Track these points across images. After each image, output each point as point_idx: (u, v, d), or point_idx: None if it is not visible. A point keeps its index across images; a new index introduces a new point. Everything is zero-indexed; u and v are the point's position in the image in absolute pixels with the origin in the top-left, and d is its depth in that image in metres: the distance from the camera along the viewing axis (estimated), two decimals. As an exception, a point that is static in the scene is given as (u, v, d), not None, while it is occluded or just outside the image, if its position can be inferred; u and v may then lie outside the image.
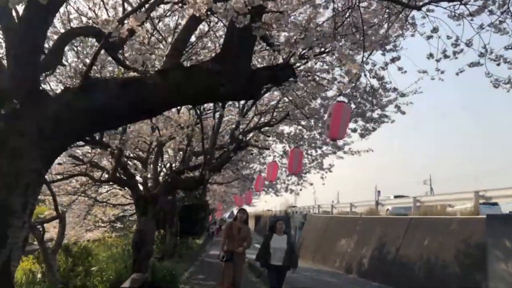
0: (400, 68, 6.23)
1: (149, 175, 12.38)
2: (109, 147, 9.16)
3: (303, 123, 11.68)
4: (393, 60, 6.09)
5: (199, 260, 19.08)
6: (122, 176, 10.16)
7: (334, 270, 19.56)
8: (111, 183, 11.69)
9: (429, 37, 5.25)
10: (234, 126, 10.66)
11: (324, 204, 30.28)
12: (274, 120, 10.82)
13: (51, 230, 19.74)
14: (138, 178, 13.28)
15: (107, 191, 17.73)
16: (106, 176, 10.06)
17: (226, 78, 3.29)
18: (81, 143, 10.04)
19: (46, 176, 10.44)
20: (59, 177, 10.22)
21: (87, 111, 3.12)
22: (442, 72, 5.57)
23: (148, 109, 3.35)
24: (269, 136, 12.38)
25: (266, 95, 12.35)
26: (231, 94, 3.40)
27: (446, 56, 5.32)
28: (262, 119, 11.48)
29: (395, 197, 21.31)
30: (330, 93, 8.19)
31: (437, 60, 5.39)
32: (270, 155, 15.42)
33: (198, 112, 9.17)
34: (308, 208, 34.66)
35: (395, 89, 7.31)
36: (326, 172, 13.55)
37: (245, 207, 43.92)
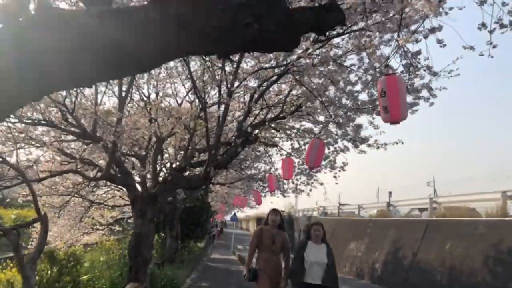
0: (440, 41, 5.15)
1: (148, 175, 11.33)
2: (101, 140, 8.08)
3: (320, 118, 10.65)
4: (433, 30, 5.00)
5: (201, 264, 17.96)
6: (117, 173, 9.08)
7: (344, 275, 18.41)
8: (105, 181, 10.58)
9: (482, 2, 4.19)
10: (241, 118, 9.59)
11: (329, 206, 29.15)
12: (284, 113, 9.75)
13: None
14: (136, 178, 12.23)
15: (105, 191, 16.66)
16: (99, 174, 8.97)
17: (254, 14, 2.21)
18: (71, 137, 8.97)
19: (30, 173, 9.42)
20: (46, 175, 9.13)
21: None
22: (495, 47, 4.52)
23: (133, 58, 2.22)
24: (278, 131, 11.29)
25: (273, 88, 11.34)
26: (259, 39, 2.28)
27: (502, 26, 4.26)
28: (270, 114, 10.43)
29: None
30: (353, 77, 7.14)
31: (490, 31, 4.32)
32: (277, 153, 14.40)
33: (202, 100, 8.09)
34: (310, 210, 33.52)
35: (428, 68, 6.20)
36: (340, 171, 12.48)
37: (246, 209, 42.74)
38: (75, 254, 9.04)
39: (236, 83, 8.47)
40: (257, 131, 9.62)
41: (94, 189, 16.26)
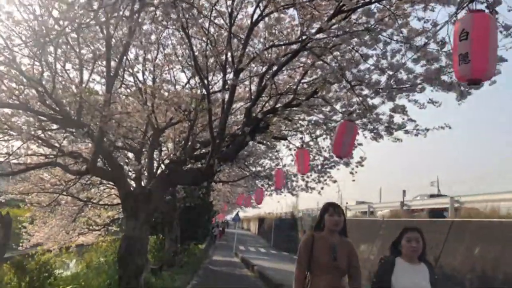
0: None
1: (144, 171, 10.04)
2: (85, 126, 6.76)
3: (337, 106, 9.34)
4: None
5: (202, 268, 16.63)
6: (106, 166, 7.77)
7: (355, 280, 17.12)
8: (90, 175, 9.28)
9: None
10: (248, 105, 8.23)
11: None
12: (297, 100, 8.43)
13: (35, 234, 17.43)
14: (130, 173, 10.92)
15: (102, 190, 15.33)
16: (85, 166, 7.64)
17: None
18: (52, 126, 7.65)
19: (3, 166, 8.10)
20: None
21: None
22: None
23: None
24: (290, 120, 9.96)
25: (283, 76, 10.03)
26: None
27: None
28: (280, 104, 9.12)
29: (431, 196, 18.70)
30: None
31: None
32: (286, 146, 13.09)
33: (204, 77, 6.77)
34: (315, 210, 32.21)
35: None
36: (357, 166, 11.16)
37: (248, 208, 41.48)
38: (46, 264, 7.57)
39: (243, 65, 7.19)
40: (269, 116, 8.31)
41: (89, 187, 15.00)
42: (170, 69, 10.10)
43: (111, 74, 6.84)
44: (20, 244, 17.65)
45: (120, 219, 19.03)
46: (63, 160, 8.04)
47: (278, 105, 8.75)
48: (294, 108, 9.16)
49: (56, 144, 8.09)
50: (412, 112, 6.03)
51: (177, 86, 10.29)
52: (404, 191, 18.22)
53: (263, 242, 41.56)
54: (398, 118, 6.60)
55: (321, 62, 8.30)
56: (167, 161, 12.13)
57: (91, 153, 7.14)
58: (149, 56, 9.92)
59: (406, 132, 6.57)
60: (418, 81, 5.97)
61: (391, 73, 6.06)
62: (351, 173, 11.29)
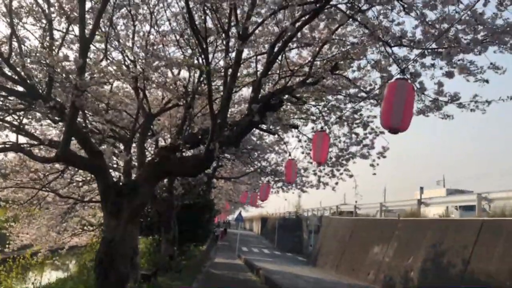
0: None
1: (135, 164, 8.64)
2: (52, 100, 5.34)
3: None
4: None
5: (203, 272, 15.17)
6: (82, 153, 6.35)
7: (368, 285, 15.66)
8: (62, 163, 7.88)
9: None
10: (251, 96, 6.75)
11: (344, 205, 26.37)
12: (312, 78, 6.99)
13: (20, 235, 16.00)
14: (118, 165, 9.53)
15: (95, 187, 13.89)
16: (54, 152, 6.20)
17: None
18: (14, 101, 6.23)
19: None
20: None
21: None
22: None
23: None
24: (304, 103, 8.52)
25: (294, 55, 8.61)
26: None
27: None
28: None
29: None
30: None
31: None
32: (297, 135, 11.66)
33: (202, 37, 5.34)
34: (320, 210, 30.77)
35: None
36: (379, 158, 9.72)
37: (251, 209, 39.98)
38: None
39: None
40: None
41: (79, 184, 13.59)
42: (165, 45, 8.66)
43: (86, 36, 5.42)
44: (7, 246, 16.29)
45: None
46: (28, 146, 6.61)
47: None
48: (310, 88, 7.75)
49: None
50: (451, 87, 4.58)
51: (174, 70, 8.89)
52: (421, 188, 16.75)
53: (266, 243, 40.09)
54: (449, 88, 5.12)
55: (341, 34, 6.98)
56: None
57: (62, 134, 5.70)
58: (141, 32, 8.50)
59: (461, 105, 5.10)
60: (480, 36, 4.55)
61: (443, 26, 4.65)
62: (372, 165, 9.87)
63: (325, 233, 25.08)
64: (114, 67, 6.50)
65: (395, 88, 3.81)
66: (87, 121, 7.43)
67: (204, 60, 5.32)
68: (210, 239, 29.86)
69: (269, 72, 7.44)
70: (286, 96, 7.92)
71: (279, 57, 7.42)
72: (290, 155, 9.52)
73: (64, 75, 5.91)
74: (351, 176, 11.39)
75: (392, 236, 16.05)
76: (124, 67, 7.43)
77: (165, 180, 12.32)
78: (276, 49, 6.17)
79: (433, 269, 12.51)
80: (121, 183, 6.19)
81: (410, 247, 14.38)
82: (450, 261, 11.88)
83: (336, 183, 11.74)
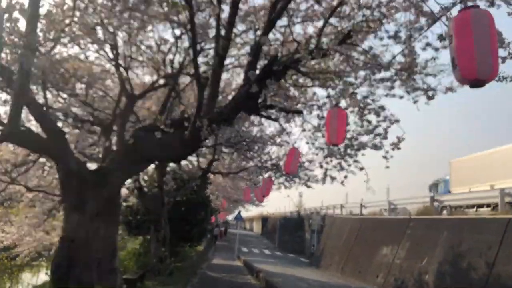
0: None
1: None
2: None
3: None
4: None
5: (198, 274, 13.97)
6: (36, 130, 5.14)
7: (377, 288, 14.47)
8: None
9: None
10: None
11: (346, 204, 25.15)
12: (321, 49, 5.77)
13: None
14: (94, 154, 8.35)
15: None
16: None
17: None
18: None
19: None
20: None
21: None
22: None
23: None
24: (311, 79, 7.31)
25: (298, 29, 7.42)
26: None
27: None
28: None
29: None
30: None
31: None
32: (300, 125, 10.49)
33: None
34: (324, 208, 29.55)
35: None
36: (393, 149, 8.52)
37: (251, 208, 38.71)
38: None
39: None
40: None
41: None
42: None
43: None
44: (-11, 246, 15.08)
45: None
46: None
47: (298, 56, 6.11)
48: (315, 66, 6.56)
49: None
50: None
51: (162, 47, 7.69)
52: (435, 185, 15.52)
53: (267, 243, 38.87)
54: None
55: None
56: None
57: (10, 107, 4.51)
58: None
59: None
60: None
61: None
62: (385, 157, 8.66)
63: (329, 233, 23.86)
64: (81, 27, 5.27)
65: (469, 20, 2.60)
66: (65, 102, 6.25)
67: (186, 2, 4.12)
68: (208, 239, 28.67)
69: (271, 41, 6.28)
70: (291, 73, 6.80)
71: (283, 29, 6.31)
72: (294, 143, 8.20)
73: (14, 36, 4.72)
74: (361, 168, 10.16)
75: (403, 236, 14.83)
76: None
77: (154, 174, 11.13)
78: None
79: (452, 272, 11.29)
80: (85, 169, 4.98)
81: (424, 247, 13.16)
82: (472, 264, 10.66)
83: (345, 177, 10.53)
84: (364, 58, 6.78)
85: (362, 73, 7.44)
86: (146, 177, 13.63)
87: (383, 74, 6.75)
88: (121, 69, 7.48)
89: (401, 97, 6.97)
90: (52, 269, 4.68)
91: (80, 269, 4.61)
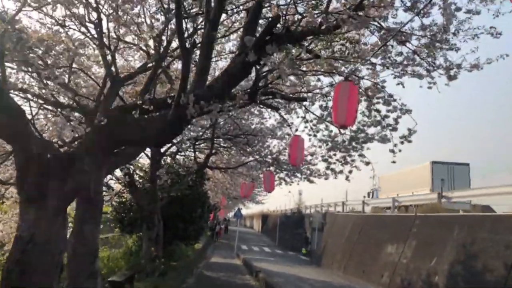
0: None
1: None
2: None
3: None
4: None
5: (194, 274, 13.06)
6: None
7: (382, 289, 13.58)
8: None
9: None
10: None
11: (348, 201, 24.25)
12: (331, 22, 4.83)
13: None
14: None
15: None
16: None
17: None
18: None
19: None
20: None
21: None
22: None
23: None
24: (318, 57, 6.37)
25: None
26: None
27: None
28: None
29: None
30: None
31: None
32: (298, 117, 9.59)
33: None
34: (325, 206, 28.62)
35: None
36: (402, 143, 7.62)
37: (252, 205, 37.77)
38: None
39: None
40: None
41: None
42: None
43: None
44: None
45: (107, 213, 15.56)
46: None
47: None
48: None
49: None
50: None
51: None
52: (442, 180, 14.62)
53: (267, 241, 37.96)
54: None
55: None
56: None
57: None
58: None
59: None
60: None
61: None
62: (392, 151, 7.73)
63: (330, 231, 22.95)
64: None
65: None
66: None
67: None
68: (208, 237, 27.78)
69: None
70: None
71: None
72: (297, 130, 7.32)
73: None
74: (367, 163, 9.24)
75: (409, 234, 13.94)
76: None
77: (147, 167, 10.22)
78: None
79: (465, 273, 10.38)
80: (48, 155, 4.06)
81: (432, 247, 12.26)
82: (487, 265, 9.75)
83: (350, 171, 9.61)
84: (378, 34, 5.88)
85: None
86: (141, 173, 12.74)
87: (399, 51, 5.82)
88: (106, 50, 6.56)
89: (417, 76, 6.01)
90: (2, 276, 3.76)
91: (38, 276, 3.70)
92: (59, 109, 7.13)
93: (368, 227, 17.76)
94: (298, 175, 12.52)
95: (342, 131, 9.23)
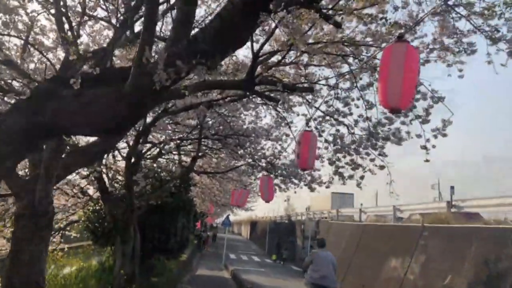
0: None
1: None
2: None
3: None
4: None
5: (177, 291, 11.40)
6: None
7: (387, 309, 12.08)
8: None
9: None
10: None
11: (346, 210, 22.82)
12: None
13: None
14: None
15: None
16: None
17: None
18: None
19: None
20: None
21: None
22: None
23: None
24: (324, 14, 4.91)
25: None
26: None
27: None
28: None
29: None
30: None
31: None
32: (298, 115, 8.18)
33: None
34: (317, 213, 27.18)
35: None
36: (436, 137, 6.20)
37: (241, 211, 36.16)
38: None
39: None
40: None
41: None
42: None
43: None
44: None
45: (79, 221, 13.83)
46: None
47: None
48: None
49: None
50: None
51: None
52: (452, 187, 13.26)
53: (256, 249, 36.29)
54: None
55: None
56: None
57: None
58: None
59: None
60: None
61: None
62: (424, 147, 6.29)
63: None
64: None
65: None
66: None
67: None
68: (194, 246, 26.03)
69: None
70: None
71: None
72: (308, 123, 5.85)
73: None
74: (382, 167, 7.73)
75: (416, 247, 12.49)
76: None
77: (123, 170, 8.64)
78: None
79: (489, 295, 8.97)
80: None
81: (446, 262, 10.82)
82: (516, 285, 8.36)
83: (361, 177, 8.10)
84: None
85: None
86: (119, 177, 11.07)
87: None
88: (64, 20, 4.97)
89: (471, 52, 4.55)
90: None
91: None
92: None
93: (368, 238, 16.31)
94: (296, 181, 10.98)
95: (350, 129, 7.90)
